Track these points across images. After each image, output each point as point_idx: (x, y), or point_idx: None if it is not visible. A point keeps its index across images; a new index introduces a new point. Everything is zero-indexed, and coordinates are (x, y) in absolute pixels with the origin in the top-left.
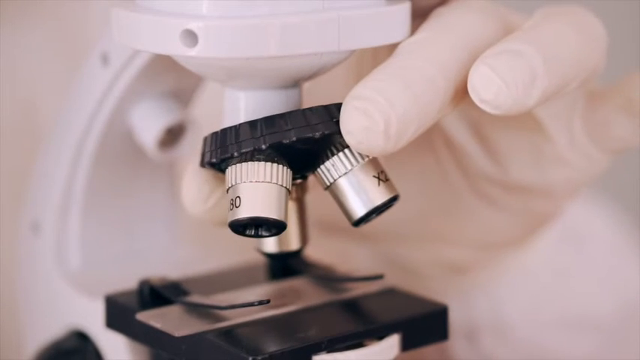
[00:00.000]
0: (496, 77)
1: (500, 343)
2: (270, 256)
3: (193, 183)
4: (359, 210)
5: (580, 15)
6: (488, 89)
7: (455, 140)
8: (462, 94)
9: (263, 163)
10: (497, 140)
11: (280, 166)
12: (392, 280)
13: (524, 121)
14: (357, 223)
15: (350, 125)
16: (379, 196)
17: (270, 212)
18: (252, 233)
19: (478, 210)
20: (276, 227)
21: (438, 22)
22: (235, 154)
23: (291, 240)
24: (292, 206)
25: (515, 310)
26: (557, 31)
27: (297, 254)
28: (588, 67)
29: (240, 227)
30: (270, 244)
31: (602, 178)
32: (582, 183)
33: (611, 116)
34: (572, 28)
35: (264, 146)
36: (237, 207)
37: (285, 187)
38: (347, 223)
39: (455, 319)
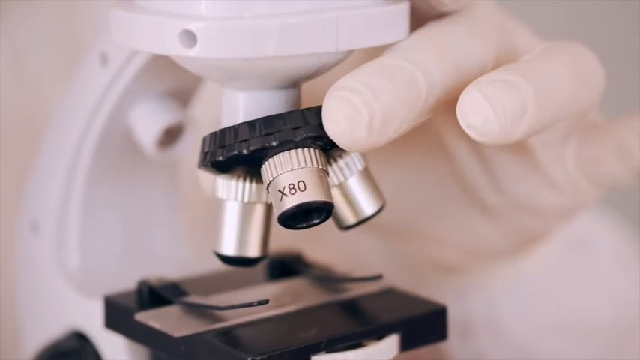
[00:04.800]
0: (486, 104)
1: (493, 343)
2: (226, 260)
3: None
4: (361, 210)
5: (579, 53)
6: (477, 115)
7: (451, 151)
8: (444, 104)
9: (311, 149)
10: (493, 157)
11: (320, 151)
12: (388, 275)
13: (520, 142)
14: (348, 227)
15: (334, 114)
16: (378, 200)
17: (322, 195)
18: (304, 225)
19: (470, 218)
20: (326, 211)
21: (429, 31)
22: (274, 143)
23: (250, 245)
24: (260, 211)
25: (510, 312)
26: (553, 67)
27: (253, 263)
28: (581, 107)
29: (289, 220)
30: (228, 246)
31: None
32: (573, 209)
33: (604, 154)
34: (569, 66)
35: (310, 134)
36: (301, 191)
37: (326, 171)
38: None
39: (449, 315)
